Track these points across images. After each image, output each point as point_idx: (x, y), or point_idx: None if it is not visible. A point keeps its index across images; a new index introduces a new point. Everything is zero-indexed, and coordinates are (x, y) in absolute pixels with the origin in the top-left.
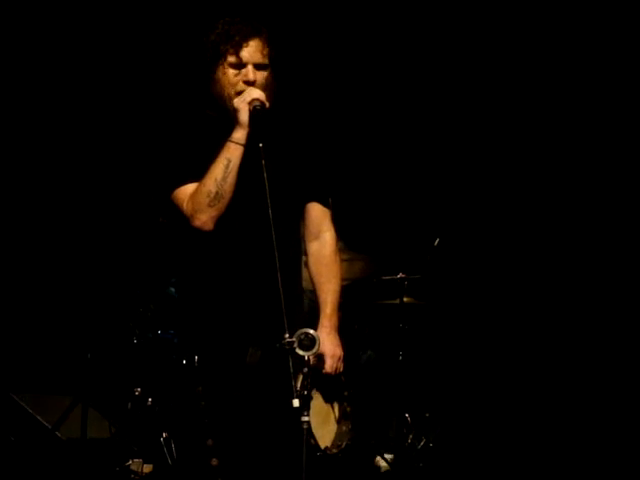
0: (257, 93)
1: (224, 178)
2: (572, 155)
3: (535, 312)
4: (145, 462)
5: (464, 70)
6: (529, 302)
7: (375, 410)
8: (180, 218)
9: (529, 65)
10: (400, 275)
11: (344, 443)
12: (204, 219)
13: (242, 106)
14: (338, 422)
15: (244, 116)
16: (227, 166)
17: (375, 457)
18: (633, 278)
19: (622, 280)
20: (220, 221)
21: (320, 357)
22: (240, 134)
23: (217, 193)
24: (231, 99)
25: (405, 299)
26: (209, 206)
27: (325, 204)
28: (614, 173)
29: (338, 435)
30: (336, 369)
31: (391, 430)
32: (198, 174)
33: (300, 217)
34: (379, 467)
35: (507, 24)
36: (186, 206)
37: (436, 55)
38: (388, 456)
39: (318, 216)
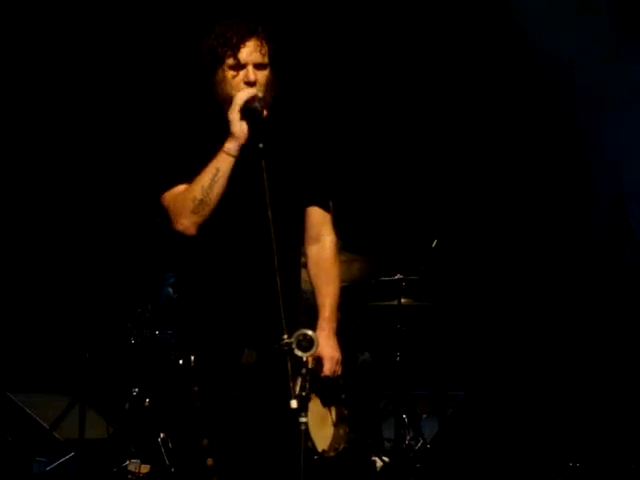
0: (246, 94)
1: (210, 186)
2: (567, 161)
3: (532, 313)
4: (143, 462)
5: (461, 77)
6: (527, 303)
7: (372, 411)
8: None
9: (529, 69)
10: (398, 276)
11: (341, 446)
12: (186, 224)
13: (233, 116)
14: (335, 425)
15: (235, 127)
16: (215, 175)
17: (372, 457)
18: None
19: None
20: (218, 222)
21: (319, 360)
22: (232, 145)
23: (202, 200)
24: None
25: (403, 300)
26: (193, 212)
27: (326, 208)
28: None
29: (335, 438)
30: (334, 372)
31: (388, 431)
32: (190, 177)
33: (300, 219)
34: (376, 467)
35: (506, 26)
36: (171, 208)
37: (434, 59)
38: (385, 457)
39: (318, 220)
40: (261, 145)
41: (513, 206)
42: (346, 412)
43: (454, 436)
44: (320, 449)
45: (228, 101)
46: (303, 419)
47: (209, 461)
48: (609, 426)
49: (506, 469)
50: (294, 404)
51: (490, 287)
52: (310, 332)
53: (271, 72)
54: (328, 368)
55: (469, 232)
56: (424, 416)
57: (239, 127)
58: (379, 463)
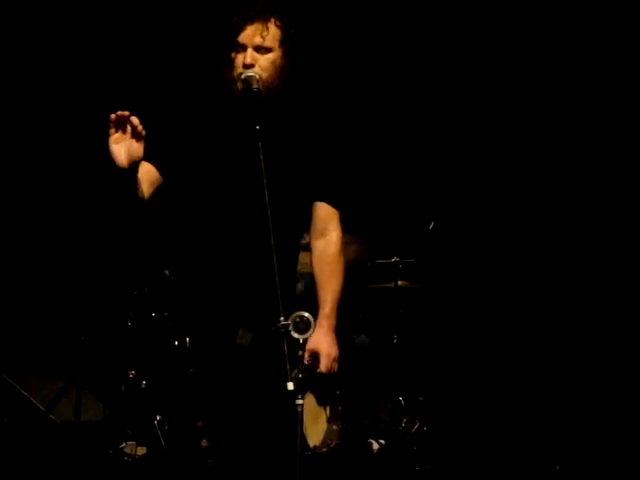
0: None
1: None
2: (563, 139)
3: (529, 295)
4: (139, 444)
5: (458, 59)
6: (523, 285)
7: (368, 394)
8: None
9: (526, 61)
10: (395, 259)
11: (334, 442)
12: None
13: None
14: (328, 421)
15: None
16: None
17: (368, 440)
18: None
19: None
20: (215, 203)
21: (315, 357)
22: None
23: None
24: (234, 82)
25: (400, 282)
26: None
27: (334, 204)
28: (616, 164)
29: (328, 434)
30: (330, 369)
31: (385, 414)
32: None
33: (302, 204)
34: (372, 450)
35: (506, 24)
36: None
37: (434, 48)
38: (381, 440)
39: (326, 215)
40: (258, 127)
41: (510, 189)
42: (340, 408)
43: (451, 419)
44: (312, 445)
45: (231, 82)
46: (299, 401)
47: (204, 442)
48: (609, 413)
49: (503, 453)
50: (290, 386)
51: (487, 269)
52: (307, 314)
53: (281, 57)
54: (324, 365)
55: (466, 214)
56: (420, 399)
57: (113, 153)
58: (375, 446)
